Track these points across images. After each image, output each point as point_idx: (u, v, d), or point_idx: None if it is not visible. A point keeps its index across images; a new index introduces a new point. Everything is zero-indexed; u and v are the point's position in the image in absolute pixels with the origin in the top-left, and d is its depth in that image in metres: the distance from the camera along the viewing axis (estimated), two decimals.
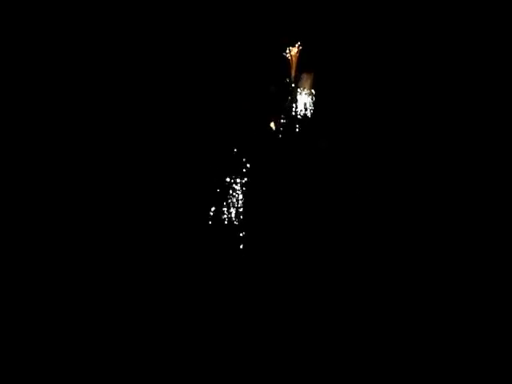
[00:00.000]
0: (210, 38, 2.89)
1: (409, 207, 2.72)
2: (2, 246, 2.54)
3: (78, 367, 2.34)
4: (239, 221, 2.74)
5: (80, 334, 2.42)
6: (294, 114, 2.93)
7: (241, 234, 2.73)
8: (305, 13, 2.92)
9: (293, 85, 2.96)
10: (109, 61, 2.82)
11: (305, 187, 2.80)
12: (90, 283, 2.55)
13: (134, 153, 2.78)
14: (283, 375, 2.38)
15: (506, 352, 2.35)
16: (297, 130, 2.92)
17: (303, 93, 2.95)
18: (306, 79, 2.96)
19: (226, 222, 2.73)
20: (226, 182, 2.78)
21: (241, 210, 2.75)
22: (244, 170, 2.80)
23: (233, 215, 2.75)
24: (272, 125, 2.90)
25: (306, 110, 2.93)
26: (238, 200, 2.76)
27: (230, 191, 2.77)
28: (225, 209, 2.75)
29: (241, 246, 2.71)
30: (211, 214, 2.73)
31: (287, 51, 2.94)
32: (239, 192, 2.77)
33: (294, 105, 2.95)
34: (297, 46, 2.94)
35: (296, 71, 2.96)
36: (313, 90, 2.94)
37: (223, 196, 2.76)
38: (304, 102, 2.94)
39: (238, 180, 2.79)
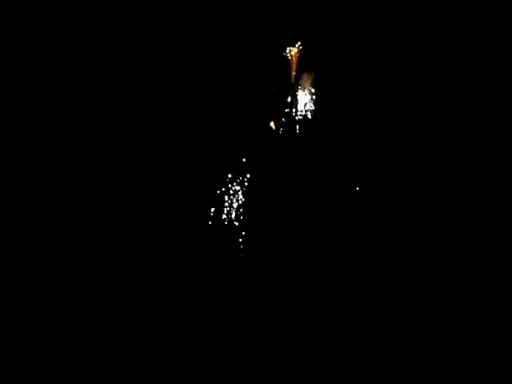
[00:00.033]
0: (211, 38, 2.89)
1: (409, 207, 2.72)
2: (1, 246, 2.54)
3: (78, 367, 2.34)
4: (239, 220, 2.74)
5: (80, 334, 2.42)
6: (293, 113, 2.93)
7: (240, 234, 2.72)
8: (305, 13, 2.92)
9: (293, 85, 2.96)
10: (109, 61, 2.82)
11: (305, 187, 2.80)
12: (90, 283, 2.55)
13: (134, 153, 2.78)
14: (283, 375, 2.38)
15: (506, 352, 2.35)
16: (297, 129, 2.92)
17: (303, 93, 2.95)
18: (306, 79, 2.96)
19: (225, 222, 2.73)
20: (226, 181, 2.78)
21: (241, 209, 2.75)
22: (244, 170, 2.80)
23: (233, 214, 2.74)
24: (272, 125, 2.90)
25: (306, 109, 2.93)
26: (238, 199, 2.76)
27: (230, 191, 2.77)
28: (225, 208, 2.75)
29: (241, 246, 2.70)
30: (211, 213, 2.73)
31: (287, 51, 2.94)
32: (239, 191, 2.77)
33: (294, 105, 2.95)
34: (297, 45, 2.94)
35: (296, 71, 2.96)
36: (313, 90, 2.94)
37: (223, 195, 2.76)
38: (304, 102, 2.94)
39: (238, 179, 2.79)
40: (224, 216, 2.74)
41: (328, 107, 2.92)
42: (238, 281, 2.64)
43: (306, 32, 2.93)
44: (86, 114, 2.78)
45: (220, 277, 2.64)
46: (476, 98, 2.77)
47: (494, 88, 2.75)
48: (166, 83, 2.86)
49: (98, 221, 2.66)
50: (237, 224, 2.74)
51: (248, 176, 2.80)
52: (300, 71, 2.96)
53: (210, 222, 2.72)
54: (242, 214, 2.75)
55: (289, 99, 2.95)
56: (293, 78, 2.97)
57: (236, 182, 2.78)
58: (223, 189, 2.77)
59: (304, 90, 2.95)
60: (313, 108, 2.94)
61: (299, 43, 2.95)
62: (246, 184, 2.78)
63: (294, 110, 2.94)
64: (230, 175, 2.79)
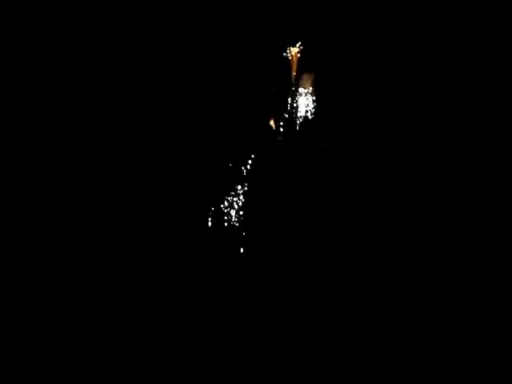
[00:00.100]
0: (211, 38, 2.89)
1: (408, 207, 2.72)
2: (1, 246, 2.54)
3: (78, 367, 2.34)
4: (239, 220, 2.74)
5: (80, 334, 2.41)
6: (294, 113, 2.94)
7: (240, 234, 2.72)
8: (305, 13, 2.93)
9: (293, 85, 2.96)
10: (109, 61, 2.83)
11: (305, 187, 2.80)
12: (90, 283, 2.54)
13: (133, 153, 2.78)
14: (283, 375, 2.38)
15: (506, 352, 2.35)
16: (297, 129, 2.92)
17: (303, 93, 2.96)
18: (306, 79, 2.96)
19: (225, 222, 2.73)
20: (226, 181, 2.78)
21: (241, 208, 2.75)
22: (244, 170, 2.80)
23: (233, 215, 2.74)
24: (272, 124, 2.90)
25: (306, 109, 2.94)
26: (238, 199, 2.76)
27: (230, 191, 2.77)
28: (225, 208, 2.74)
29: (241, 246, 2.70)
30: (211, 213, 2.73)
31: (287, 51, 2.95)
32: (239, 191, 2.77)
33: (294, 105, 2.95)
34: (297, 45, 2.95)
35: (296, 71, 2.97)
36: (313, 90, 2.94)
37: (223, 195, 2.75)
38: (304, 102, 2.95)
39: (238, 180, 2.78)
40: (224, 216, 2.74)
41: (328, 107, 2.92)
42: (238, 281, 2.64)
43: (306, 32, 2.94)
44: (86, 114, 2.78)
45: (220, 277, 2.63)
46: (476, 98, 2.77)
47: (494, 88, 2.76)
48: (167, 83, 2.86)
49: (98, 221, 2.66)
50: (237, 224, 2.73)
51: (248, 176, 2.80)
52: (300, 71, 2.97)
53: (210, 222, 2.72)
54: (242, 213, 2.75)
55: (289, 99, 2.96)
56: (293, 77, 2.97)
57: (236, 182, 2.78)
58: (223, 189, 2.77)
59: (304, 90, 2.95)
60: (313, 108, 2.94)
61: (299, 43, 2.95)
62: (246, 184, 2.78)
63: (293, 110, 2.94)
64: (229, 175, 2.79)
